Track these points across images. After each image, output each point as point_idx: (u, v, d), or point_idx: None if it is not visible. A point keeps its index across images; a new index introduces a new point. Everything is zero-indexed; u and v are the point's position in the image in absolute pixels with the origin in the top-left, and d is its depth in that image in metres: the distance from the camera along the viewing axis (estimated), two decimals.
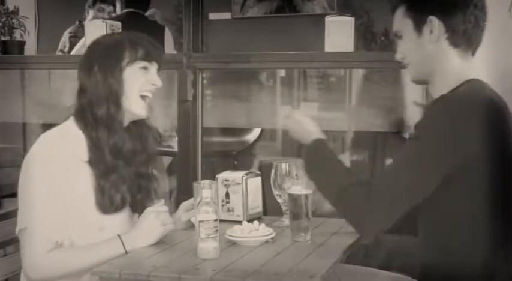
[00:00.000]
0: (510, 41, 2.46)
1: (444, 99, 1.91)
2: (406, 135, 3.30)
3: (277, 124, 3.94)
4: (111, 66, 2.07)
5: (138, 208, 2.16)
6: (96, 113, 2.06)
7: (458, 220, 1.88)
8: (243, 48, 4.88)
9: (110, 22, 3.27)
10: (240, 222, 2.09)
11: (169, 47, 4.71)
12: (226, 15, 6.31)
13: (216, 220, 1.86)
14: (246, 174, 2.29)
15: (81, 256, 1.99)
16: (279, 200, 2.24)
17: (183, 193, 2.87)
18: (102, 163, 2.05)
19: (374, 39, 5.43)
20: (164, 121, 4.05)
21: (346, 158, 3.72)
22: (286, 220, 2.18)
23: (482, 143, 1.80)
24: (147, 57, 2.11)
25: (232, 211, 2.26)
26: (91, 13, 4.91)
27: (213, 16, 6.02)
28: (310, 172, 2.03)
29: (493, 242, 1.87)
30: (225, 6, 6.26)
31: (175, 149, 3.40)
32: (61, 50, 4.90)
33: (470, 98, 1.87)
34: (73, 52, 4.56)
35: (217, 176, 2.29)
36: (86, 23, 3.51)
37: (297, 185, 2.04)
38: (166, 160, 4.57)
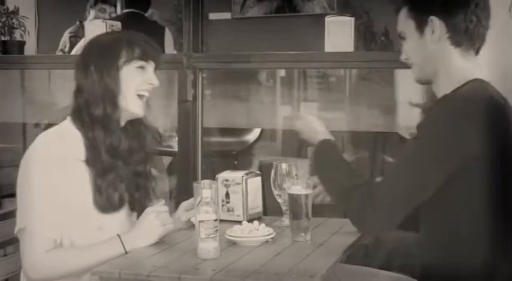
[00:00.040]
0: (510, 41, 2.46)
1: (446, 99, 1.91)
2: (407, 136, 3.31)
3: (277, 124, 3.94)
4: (107, 66, 2.07)
5: (136, 207, 2.17)
6: (93, 112, 2.06)
7: (459, 220, 1.88)
8: (243, 48, 4.88)
9: (110, 22, 3.27)
10: (240, 222, 2.09)
11: (169, 47, 4.71)
12: (226, 15, 6.31)
13: (216, 220, 1.86)
14: (246, 174, 2.29)
15: (81, 256, 2.00)
16: (279, 200, 2.24)
17: (183, 193, 2.87)
18: (99, 162, 2.05)
19: (374, 39, 5.43)
20: (164, 121, 4.05)
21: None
22: (286, 220, 2.18)
23: (484, 143, 1.80)
24: (144, 57, 2.11)
25: (232, 211, 2.26)
26: (92, 13, 4.91)
27: (213, 16, 6.02)
28: (317, 171, 2.07)
29: (494, 242, 1.87)
30: (225, 6, 6.26)
31: (175, 149, 3.40)
32: (61, 50, 4.91)
33: (473, 98, 1.87)
34: (73, 52, 4.56)
35: (217, 176, 2.29)
36: (86, 23, 3.51)
37: (297, 185, 2.04)
38: (166, 160, 4.57)
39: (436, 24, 1.93)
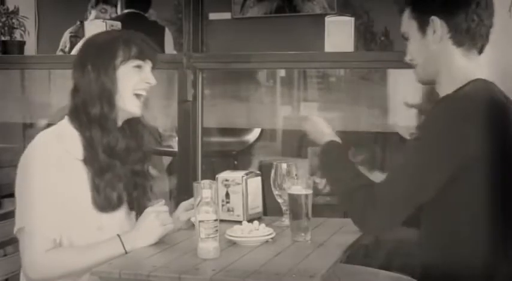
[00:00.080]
0: (510, 41, 2.46)
1: (446, 100, 1.91)
2: (407, 136, 3.31)
3: (277, 124, 3.94)
4: (104, 65, 2.07)
5: (134, 206, 2.17)
6: (90, 112, 2.06)
7: (459, 220, 1.88)
8: (243, 48, 4.88)
9: (110, 22, 3.27)
10: (240, 222, 2.09)
11: (169, 47, 4.71)
12: (226, 15, 6.31)
13: (216, 220, 1.86)
14: (246, 174, 2.29)
15: (81, 256, 2.00)
16: (279, 200, 2.24)
17: (183, 193, 2.87)
18: (97, 161, 2.06)
19: (374, 39, 5.43)
20: (164, 121, 4.06)
21: None
22: (286, 220, 2.18)
23: (485, 143, 1.80)
24: (141, 56, 2.11)
25: (232, 211, 2.26)
26: (93, 13, 4.92)
27: (213, 16, 6.02)
28: (323, 172, 2.10)
29: (494, 242, 1.87)
30: (225, 6, 6.26)
31: (175, 149, 3.40)
32: (62, 50, 4.90)
33: (473, 98, 1.87)
34: (73, 52, 4.56)
35: (217, 176, 2.29)
36: (86, 23, 3.51)
37: (297, 185, 2.04)
38: (166, 160, 4.57)
39: (437, 24, 1.93)
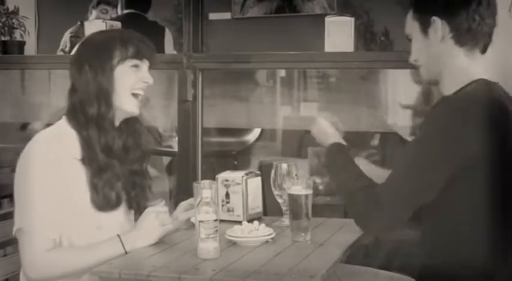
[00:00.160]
0: (510, 41, 2.46)
1: (446, 100, 1.92)
2: (407, 137, 3.31)
3: (277, 124, 3.94)
4: (101, 65, 2.07)
5: (133, 205, 2.17)
6: (87, 111, 2.07)
7: (459, 220, 1.88)
8: (243, 48, 4.88)
9: (110, 22, 3.27)
10: (240, 222, 2.09)
11: (169, 47, 4.71)
12: (226, 15, 6.31)
13: (216, 220, 1.86)
14: (246, 174, 2.29)
15: (81, 256, 2.00)
16: (279, 200, 2.24)
17: (183, 193, 2.87)
18: (95, 161, 2.06)
19: (374, 39, 5.44)
20: (164, 121, 4.05)
21: None
22: (286, 220, 2.18)
23: (485, 143, 1.80)
24: (138, 55, 2.11)
25: (232, 211, 2.26)
26: (94, 14, 4.92)
27: (213, 16, 6.02)
28: (328, 173, 2.10)
29: (494, 243, 1.87)
30: (225, 6, 6.26)
31: (175, 149, 3.40)
32: (62, 50, 4.90)
33: (473, 98, 1.87)
34: (73, 52, 4.56)
35: (217, 176, 2.29)
36: (86, 23, 3.50)
37: (297, 185, 2.04)
38: (166, 160, 4.57)
39: (438, 24, 1.94)
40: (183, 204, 2.24)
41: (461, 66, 1.96)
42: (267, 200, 2.40)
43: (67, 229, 2.02)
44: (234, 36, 5.90)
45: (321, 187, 2.23)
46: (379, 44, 5.35)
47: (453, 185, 1.83)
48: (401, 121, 3.42)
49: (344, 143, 2.10)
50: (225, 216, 2.23)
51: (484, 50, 1.98)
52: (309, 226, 2.03)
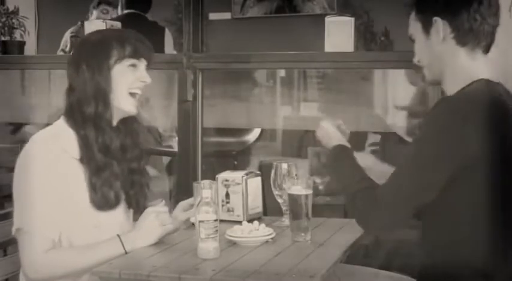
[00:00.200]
0: (510, 41, 2.46)
1: (446, 100, 1.92)
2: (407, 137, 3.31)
3: (277, 124, 3.94)
4: (99, 65, 2.07)
5: (132, 204, 2.17)
6: (85, 111, 2.07)
7: (459, 220, 1.88)
8: (243, 48, 4.88)
9: (110, 22, 3.27)
10: (240, 222, 2.09)
11: (169, 47, 4.71)
12: (226, 15, 6.31)
13: (216, 220, 1.86)
14: (246, 174, 2.29)
15: (81, 256, 2.00)
16: (279, 200, 2.24)
17: (183, 193, 2.87)
18: (93, 160, 2.06)
19: (374, 39, 5.44)
20: (164, 121, 4.06)
21: None
22: (286, 220, 2.18)
23: (485, 143, 1.80)
24: (135, 55, 2.11)
25: (232, 211, 2.26)
26: (95, 14, 4.92)
27: (213, 16, 6.02)
28: (331, 174, 2.11)
29: (494, 243, 1.87)
30: (225, 6, 6.26)
31: (175, 149, 3.41)
32: (62, 50, 4.91)
33: (473, 98, 1.87)
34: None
35: (217, 176, 2.29)
36: (86, 23, 3.50)
37: (297, 185, 2.04)
38: (166, 160, 4.57)
39: (439, 24, 1.94)
40: (182, 204, 2.24)
41: (463, 66, 1.96)
42: (267, 200, 2.40)
43: (66, 229, 2.02)
44: (234, 36, 5.91)
45: (321, 187, 2.24)
46: (379, 44, 5.35)
47: (453, 185, 1.83)
48: (401, 121, 3.42)
49: (348, 145, 2.11)
50: (225, 216, 2.23)
51: (486, 50, 1.98)
52: (309, 226, 2.03)
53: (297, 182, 2.05)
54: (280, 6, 6.18)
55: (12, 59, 3.76)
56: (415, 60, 2.05)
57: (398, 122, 3.43)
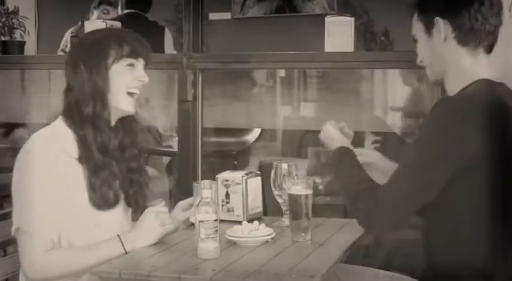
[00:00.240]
0: (510, 41, 2.46)
1: (446, 101, 1.92)
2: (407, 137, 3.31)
3: (277, 124, 3.94)
4: (96, 65, 2.07)
5: (131, 203, 2.17)
6: (83, 111, 2.07)
7: (459, 220, 1.88)
8: (243, 48, 4.88)
9: (110, 22, 3.27)
10: (240, 222, 2.09)
11: (169, 47, 4.71)
12: (226, 15, 6.31)
13: (216, 220, 1.86)
14: (246, 174, 2.29)
15: (81, 256, 2.00)
16: (279, 200, 2.24)
17: (183, 193, 2.87)
18: (92, 160, 2.06)
19: (374, 39, 5.44)
20: (164, 121, 4.06)
21: None
22: (286, 220, 2.18)
23: (485, 143, 1.80)
24: (133, 54, 2.11)
25: (232, 211, 2.26)
26: (95, 14, 4.92)
27: (213, 16, 6.02)
28: (333, 176, 2.11)
29: (494, 243, 1.87)
30: (225, 6, 6.26)
31: (175, 149, 3.41)
32: (62, 50, 4.90)
33: (473, 98, 1.87)
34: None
35: (217, 176, 2.29)
36: (86, 23, 3.50)
37: (297, 185, 2.04)
38: (166, 159, 4.57)
39: (441, 25, 1.94)
40: (181, 203, 2.24)
41: (465, 66, 1.96)
42: (267, 200, 2.40)
43: (66, 229, 2.02)
44: (234, 36, 5.91)
45: (321, 187, 2.24)
46: (379, 44, 5.35)
47: (453, 185, 1.83)
48: (400, 121, 3.42)
49: (350, 147, 2.11)
50: (225, 216, 2.23)
51: (489, 50, 1.98)
52: (309, 226, 2.03)
53: (297, 182, 2.05)
54: (280, 6, 6.18)
55: (12, 59, 3.76)
56: (418, 60, 2.05)
57: (398, 122, 3.43)
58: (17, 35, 3.86)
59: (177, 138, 3.36)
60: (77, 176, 2.05)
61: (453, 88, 1.96)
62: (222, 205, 2.27)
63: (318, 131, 2.21)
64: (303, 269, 1.75)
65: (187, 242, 2.05)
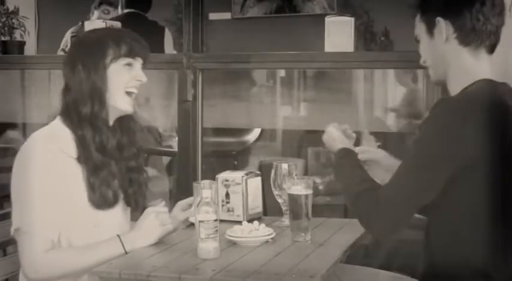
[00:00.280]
0: (510, 41, 2.46)
1: (446, 101, 1.92)
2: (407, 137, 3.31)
3: (277, 124, 3.94)
4: (94, 64, 2.07)
5: (130, 202, 2.17)
6: (81, 111, 2.07)
7: (459, 220, 1.88)
8: (243, 48, 4.88)
9: (110, 22, 3.27)
10: (240, 222, 2.09)
11: (169, 47, 4.71)
12: (226, 15, 6.31)
13: (216, 220, 1.86)
14: (246, 174, 2.29)
15: (81, 256, 2.00)
16: (279, 200, 2.24)
17: (183, 193, 2.87)
18: (91, 160, 2.06)
19: (374, 39, 5.44)
20: (164, 121, 4.06)
21: None
22: (286, 220, 2.18)
23: (485, 143, 1.80)
24: (131, 54, 2.11)
25: (232, 211, 2.26)
26: (96, 14, 4.92)
27: (213, 16, 6.02)
28: (335, 177, 2.11)
29: (494, 243, 1.87)
30: (225, 6, 6.26)
31: (175, 149, 3.41)
32: (63, 50, 4.91)
33: (473, 98, 1.87)
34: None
35: (217, 176, 2.29)
36: (86, 23, 3.50)
37: (297, 185, 2.04)
38: (166, 160, 4.57)
39: (442, 25, 1.94)
40: (181, 203, 2.24)
41: (467, 66, 1.96)
42: (267, 200, 2.40)
43: (66, 229, 2.02)
44: (234, 36, 5.91)
45: (321, 187, 2.24)
46: (379, 44, 5.35)
47: (453, 185, 1.83)
48: (399, 121, 3.42)
49: (352, 148, 2.11)
50: (225, 216, 2.23)
51: (491, 50, 1.98)
52: (309, 226, 2.03)
53: (297, 182, 2.05)
54: (280, 6, 6.18)
55: (12, 59, 3.76)
56: (421, 61, 2.06)
57: (397, 122, 3.43)
58: (17, 35, 3.87)
59: (177, 138, 3.36)
60: (75, 175, 2.05)
61: (455, 88, 1.96)
62: (222, 205, 2.27)
63: (318, 131, 2.21)
64: (303, 269, 1.75)
65: (187, 242, 2.05)
